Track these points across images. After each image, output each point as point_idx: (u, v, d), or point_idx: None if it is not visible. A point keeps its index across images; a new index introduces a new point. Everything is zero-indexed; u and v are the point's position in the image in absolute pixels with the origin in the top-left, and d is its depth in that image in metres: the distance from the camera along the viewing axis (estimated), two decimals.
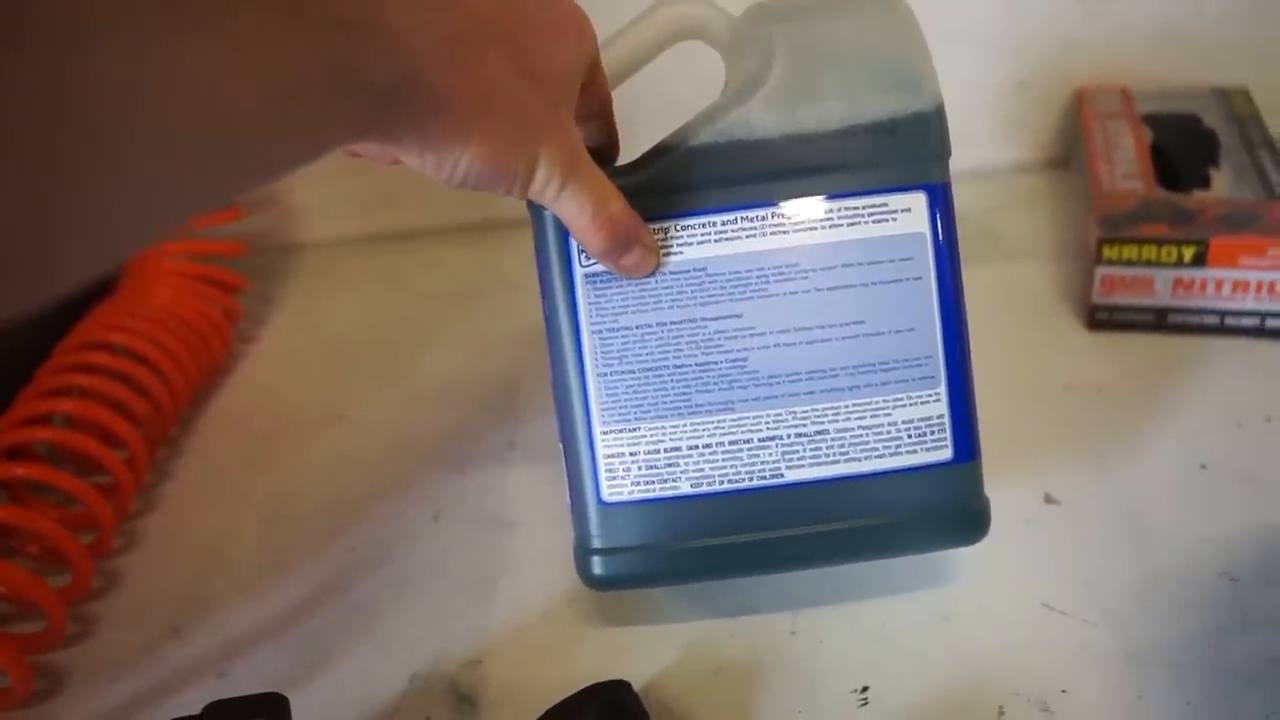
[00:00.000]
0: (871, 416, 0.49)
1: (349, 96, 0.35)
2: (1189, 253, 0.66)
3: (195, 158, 0.30)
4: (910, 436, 0.49)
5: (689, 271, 0.48)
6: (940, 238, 0.48)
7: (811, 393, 0.48)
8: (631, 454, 0.49)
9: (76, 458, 0.62)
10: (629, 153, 0.50)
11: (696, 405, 0.49)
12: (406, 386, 0.72)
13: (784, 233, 0.48)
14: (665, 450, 0.49)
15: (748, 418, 0.49)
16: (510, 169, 0.42)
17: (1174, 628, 0.51)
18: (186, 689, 0.53)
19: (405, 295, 0.81)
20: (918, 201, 0.48)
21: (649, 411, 0.49)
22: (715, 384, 0.49)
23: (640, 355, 0.49)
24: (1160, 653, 0.50)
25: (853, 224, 0.48)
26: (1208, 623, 0.51)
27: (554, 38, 0.43)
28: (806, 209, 0.48)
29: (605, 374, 0.49)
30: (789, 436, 0.49)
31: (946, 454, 0.49)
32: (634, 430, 0.49)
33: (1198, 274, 0.66)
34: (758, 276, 0.48)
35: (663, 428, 0.49)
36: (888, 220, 0.48)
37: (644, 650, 0.53)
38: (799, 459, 0.49)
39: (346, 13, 0.34)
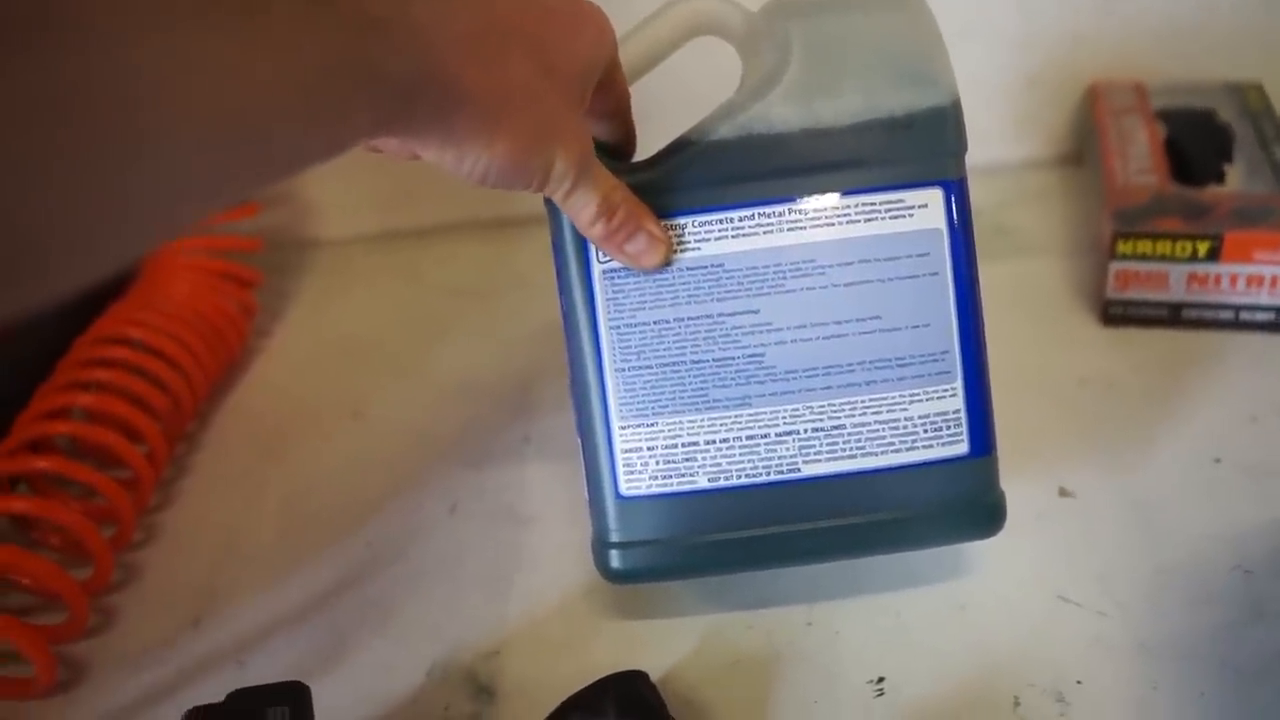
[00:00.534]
0: (888, 411, 0.49)
1: (373, 92, 0.35)
2: (1203, 247, 0.66)
3: (221, 151, 0.30)
4: (926, 431, 0.49)
5: (706, 267, 0.48)
6: (957, 233, 0.48)
7: (828, 388, 0.49)
8: (649, 448, 0.49)
9: (96, 452, 0.62)
10: (644, 149, 0.51)
11: (714, 400, 0.49)
12: (422, 382, 0.72)
13: (801, 229, 0.48)
14: (683, 445, 0.49)
15: (765, 413, 0.49)
16: (531, 166, 0.42)
17: (1188, 620, 0.51)
18: (206, 679, 0.54)
19: (421, 291, 0.82)
20: (934, 197, 0.48)
21: (666, 406, 0.49)
22: (732, 379, 0.49)
23: (658, 350, 0.49)
24: (1174, 645, 0.50)
25: (869, 220, 0.48)
26: (1221, 615, 0.52)
27: (574, 35, 0.43)
28: (823, 205, 0.48)
29: (623, 369, 0.49)
30: (806, 431, 0.49)
31: (963, 448, 0.49)
32: (652, 425, 0.49)
33: (1212, 269, 0.67)
34: (774, 272, 0.48)
35: (680, 422, 0.49)
36: (904, 216, 0.48)
37: (661, 642, 0.53)
38: (815, 454, 0.49)
39: (372, 9, 0.34)
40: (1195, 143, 0.75)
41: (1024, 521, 0.54)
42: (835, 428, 0.49)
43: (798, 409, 0.49)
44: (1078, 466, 0.60)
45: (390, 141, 0.43)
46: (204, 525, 0.64)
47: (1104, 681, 0.49)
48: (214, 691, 0.45)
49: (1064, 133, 0.86)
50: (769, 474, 0.49)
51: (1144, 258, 0.67)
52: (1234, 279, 0.67)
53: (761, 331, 0.49)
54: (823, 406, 0.49)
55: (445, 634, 0.55)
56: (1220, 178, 0.71)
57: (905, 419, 0.49)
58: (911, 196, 0.48)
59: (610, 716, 0.45)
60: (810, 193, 0.48)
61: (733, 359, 0.49)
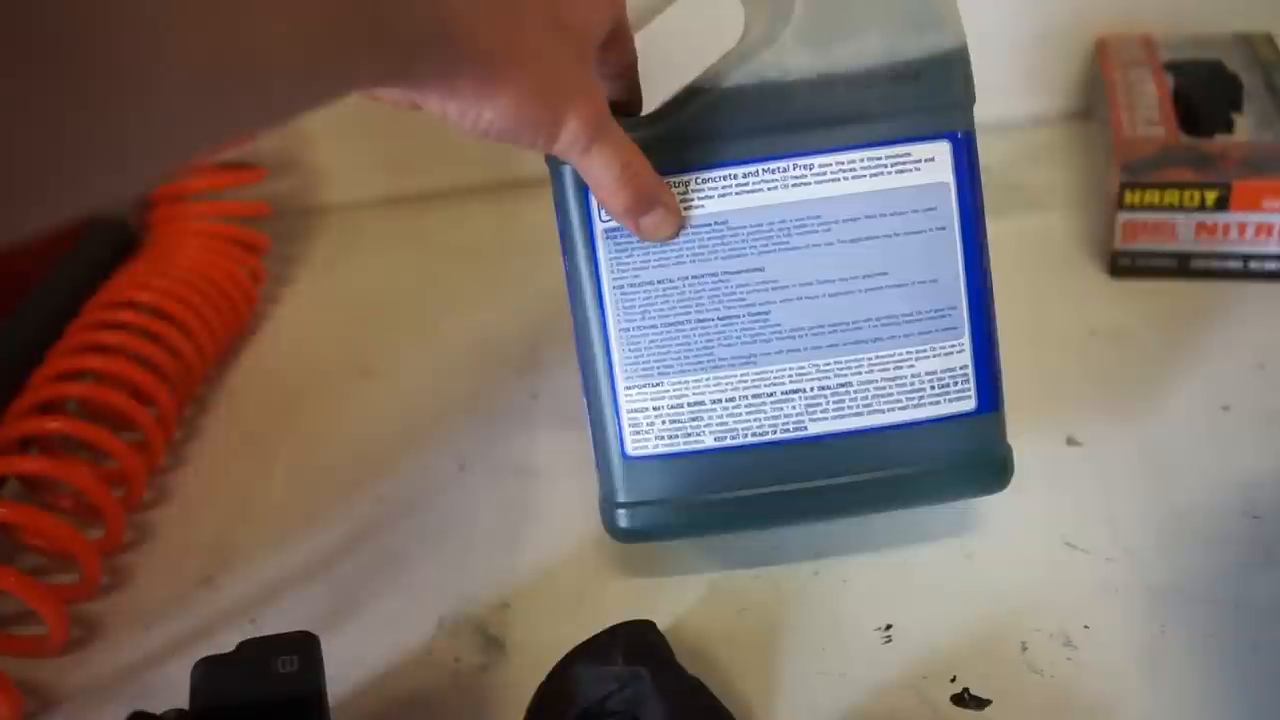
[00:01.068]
0: (895, 368, 0.49)
1: (376, 42, 0.35)
2: (1211, 197, 0.66)
3: (218, 93, 0.30)
4: (934, 388, 0.49)
5: (710, 225, 0.48)
6: (964, 187, 0.48)
7: (834, 345, 0.49)
8: (655, 408, 0.49)
9: (106, 414, 0.63)
10: (645, 108, 0.50)
11: (719, 359, 0.49)
12: (431, 343, 0.72)
13: (806, 184, 0.48)
14: (689, 404, 0.49)
15: (770, 371, 0.49)
16: (538, 122, 0.42)
17: (1196, 564, 0.52)
18: (219, 636, 0.54)
19: (428, 255, 0.82)
20: (941, 151, 0.48)
21: (672, 366, 0.49)
22: (738, 338, 0.49)
23: (662, 310, 0.49)
24: (1183, 589, 0.50)
25: (875, 175, 0.48)
26: (1230, 559, 0.52)
27: None
28: (829, 160, 0.48)
29: (627, 329, 0.49)
30: (812, 389, 0.49)
31: (970, 404, 0.49)
32: (657, 385, 0.49)
33: (1220, 218, 0.66)
34: (779, 229, 0.48)
35: (685, 382, 0.49)
36: (911, 170, 0.48)
37: (669, 592, 0.53)
38: (822, 412, 0.49)
39: None
40: (1203, 93, 0.74)
41: (1032, 471, 0.54)
42: (842, 385, 0.49)
43: (804, 367, 0.49)
44: (1086, 417, 0.60)
45: (392, 91, 0.43)
46: (215, 485, 0.64)
47: (1112, 625, 0.49)
48: (227, 645, 0.45)
49: (1073, 88, 0.85)
50: (775, 432, 0.49)
51: (1152, 208, 0.67)
52: (1242, 228, 0.66)
53: (767, 289, 0.48)
54: (829, 364, 0.49)
55: (455, 588, 0.55)
56: (1229, 127, 0.71)
57: (912, 375, 0.49)
58: (919, 150, 0.48)
59: (618, 664, 0.46)
60: (815, 147, 0.48)
61: (738, 317, 0.49)
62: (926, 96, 0.48)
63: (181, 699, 0.43)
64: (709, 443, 0.49)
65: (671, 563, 0.55)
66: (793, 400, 0.49)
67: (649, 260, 0.48)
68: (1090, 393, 0.61)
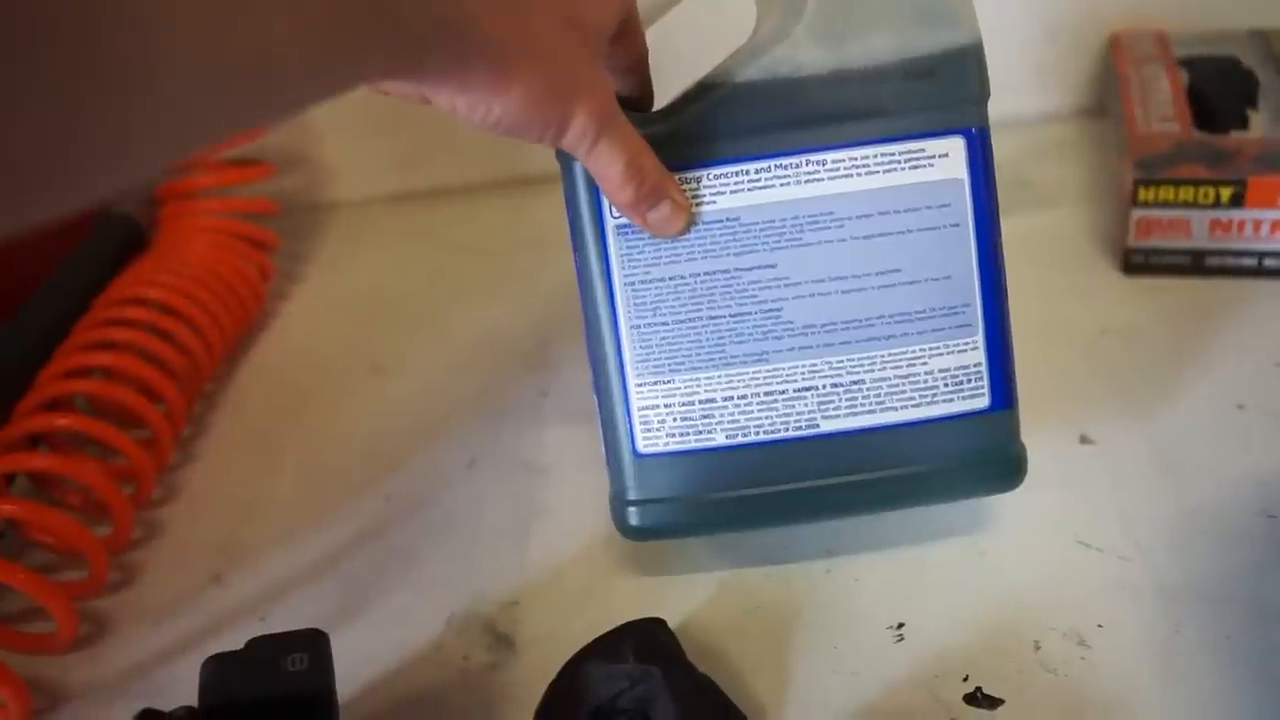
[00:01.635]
0: (908, 365, 0.48)
1: (384, 36, 0.35)
2: (1226, 193, 0.65)
3: (223, 86, 0.30)
4: (947, 385, 0.49)
5: (722, 221, 0.48)
6: (979, 183, 0.47)
7: (847, 342, 0.48)
8: (666, 406, 0.49)
9: (115, 411, 0.63)
10: (657, 103, 0.50)
11: (731, 356, 0.49)
12: (440, 340, 0.72)
13: (819, 180, 0.47)
14: (700, 402, 0.49)
15: (783, 368, 0.49)
16: (547, 116, 0.42)
17: (1211, 563, 0.51)
18: (228, 632, 0.54)
19: (438, 251, 0.81)
20: (955, 147, 0.47)
21: (683, 363, 0.49)
22: (749, 335, 0.48)
23: (673, 307, 0.48)
24: (1197, 588, 0.50)
25: (889, 170, 0.47)
26: (1245, 558, 0.51)
27: None
28: (841, 156, 0.47)
29: (638, 326, 0.49)
30: (825, 387, 0.48)
31: (983, 402, 0.49)
32: (668, 382, 0.49)
33: (1235, 215, 0.66)
34: (792, 226, 0.48)
35: (697, 379, 0.49)
36: (925, 166, 0.47)
37: (679, 591, 0.53)
38: (835, 409, 0.49)
39: None
40: (1218, 89, 0.74)
41: (1045, 469, 0.53)
42: (854, 382, 0.48)
43: (816, 364, 0.48)
44: (1100, 415, 0.59)
45: (401, 85, 0.42)
46: (224, 482, 0.64)
47: (1126, 625, 0.49)
48: (236, 643, 0.45)
49: (1086, 84, 0.84)
50: (787, 430, 0.49)
51: (1166, 205, 0.66)
52: (1257, 225, 0.66)
53: (779, 286, 0.48)
54: (841, 361, 0.48)
55: (464, 585, 0.55)
56: (1244, 124, 0.70)
57: (925, 373, 0.48)
58: (932, 146, 0.47)
59: (628, 663, 0.45)
60: (828, 143, 0.47)
61: (749, 314, 0.48)
62: (941, 92, 0.47)
63: (190, 696, 0.43)
64: (720, 440, 0.49)
65: (682, 561, 0.54)
66: (805, 398, 0.49)
67: (660, 256, 0.48)
68: (1103, 391, 0.61)
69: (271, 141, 0.82)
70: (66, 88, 0.25)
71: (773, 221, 0.48)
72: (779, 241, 0.48)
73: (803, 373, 0.48)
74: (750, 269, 0.48)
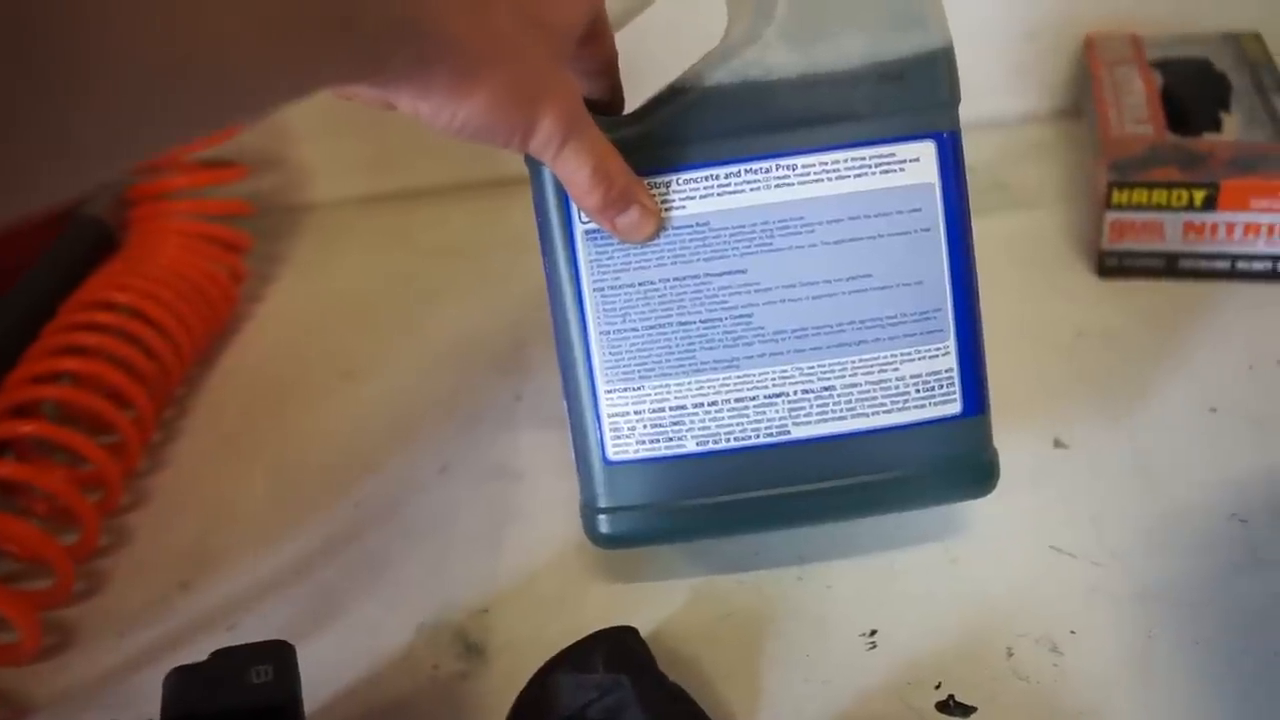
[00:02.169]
0: (879, 371, 0.48)
1: (343, 39, 0.34)
2: (1199, 196, 0.65)
3: (172, 84, 0.29)
4: (919, 391, 0.48)
5: (692, 226, 0.48)
6: (950, 188, 0.47)
7: (818, 348, 0.48)
8: (636, 413, 0.49)
9: (83, 416, 0.62)
10: (627, 107, 0.50)
11: (701, 363, 0.48)
12: (413, 343, 0.72)
13: (789, 185, 0.47)
14: (670, 409, 0.49)
15: (753, 374, 0.48)
16: (512, 120, 0.41)
17: (1184, 568, 0.51)
18: (196, 642, 0.54)
19: (411, 254, 0.81)
20: (926, 151, 0.47)
21: (653, 370, 0.48)
22: (720, 341, 0.48)
23: (643, 313, 0.48)
24: (1170, 593, 0.50)
25: (860, 175, 0.47)
26: (1218, 563, 0.51)
27: None
28: (812, 160, 0.47)
29: (608, 332, 0.48)
30: (795, 393, 0.48)
31: (955, 408, 0.49)
32: (638, 389, 0.49)
33: (1208, 218, 0.66)
34: (763, 231, 0.47)
35: (667, 386, 0.48)
36: (896, 171, 0.47)
37: (651, 598, 0.53)
38: (805, 415, 0.48)
39: None
40: (1191, 92, 0.74)
41: (1018, 474, 0.53)
42: (825, 389, 0.48)
43: (787, 370, 0.48)
44: (1073, 418, 0.59)
45: (365, 90, 0.42)
46: (193, 488, 0.63)
47: (1099, 630, 0.49)
48: (204, 653, 0.44)
49: (1061, 86, 0.84)
50: (758, 437, 0.49)
51: (1139, 207, 0.66)
52: (1230, 228, 0.66)
53: (749, 292, 0.48)
54: (812, 367, 0.48)
55: (435, 593, 0.54)
56: (1217, 126, 0.70)
57: (896, 379, 0.48)
58: (903, 150, 0.47)
59: (599, 672, 0.45)
60: (799, 147, 0.47)
61: (720, 320, 0.48)
62: (911, 96, 0.47)
63: (158, 708, 0.42)
64: (691, 447, 0.49)
65: (654, 568, 0.54)
66: (775, 404, 0.48)
67: (630, 262, 0.48)
68: (1077, 394, 0.61)
69: (245, 142, 0.82)
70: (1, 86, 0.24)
71: (743, 226, 0.47)
72: (749, 247, 0.48)
73: (773, 379, 0.48)
74: (720, 274, 0.48)
